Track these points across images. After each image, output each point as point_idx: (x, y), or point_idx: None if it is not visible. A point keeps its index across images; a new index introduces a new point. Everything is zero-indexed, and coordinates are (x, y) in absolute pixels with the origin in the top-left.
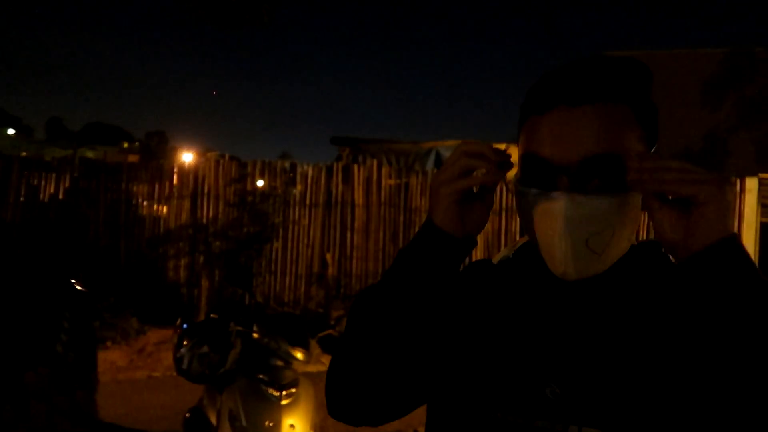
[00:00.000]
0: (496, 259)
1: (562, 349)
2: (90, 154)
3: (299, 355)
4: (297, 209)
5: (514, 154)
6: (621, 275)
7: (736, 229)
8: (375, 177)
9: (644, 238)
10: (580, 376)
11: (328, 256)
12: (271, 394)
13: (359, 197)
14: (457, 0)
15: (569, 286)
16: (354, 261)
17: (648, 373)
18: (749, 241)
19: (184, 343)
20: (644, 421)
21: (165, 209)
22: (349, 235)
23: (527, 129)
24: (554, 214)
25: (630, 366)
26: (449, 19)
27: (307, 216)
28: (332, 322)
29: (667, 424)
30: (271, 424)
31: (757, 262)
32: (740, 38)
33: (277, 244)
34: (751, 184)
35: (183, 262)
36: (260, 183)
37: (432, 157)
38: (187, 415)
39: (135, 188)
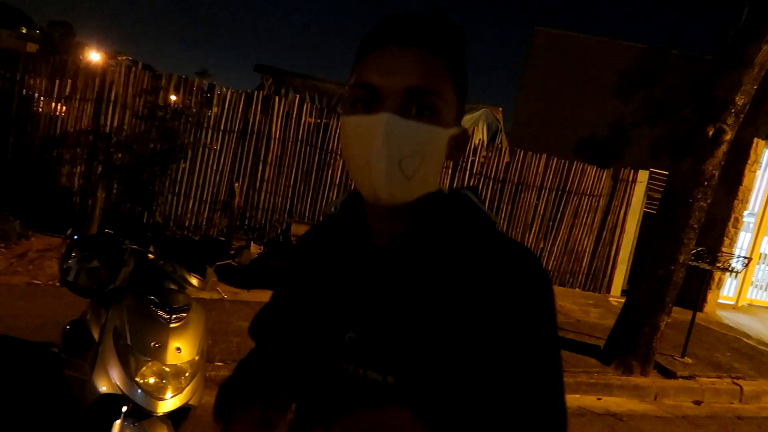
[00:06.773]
0: (325, 210)
1: (363, 301)
2: None
3: (194, 281)
4: (210, 132)
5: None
6: (423, 235)
7: (621, 216)
8: (295, 112)
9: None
10: (373, 325)
11: (237, 185)
12: (160, 316)
13: (276, 130)
14: None
15: (377, 249)
16: (263, 194)
17: (431, 329)
18: (631, 227)
19: (73, 254)
20: (424, 369)
21: (64, 110)
22: (261, 167)
23: (361, 65)
24: (376, 132)
25: (418, 320)
26: None
27: (219, 141)
28: (232, 252)
29: (447, 373)
30: (157, 345)
31: (633, 246)
32: (658, 38)
33: (185, 165)
34: (643, 176)
35: (79, 169)
36: (173, 98)
37: None
38: (68, 327)
39: (32, 81)
